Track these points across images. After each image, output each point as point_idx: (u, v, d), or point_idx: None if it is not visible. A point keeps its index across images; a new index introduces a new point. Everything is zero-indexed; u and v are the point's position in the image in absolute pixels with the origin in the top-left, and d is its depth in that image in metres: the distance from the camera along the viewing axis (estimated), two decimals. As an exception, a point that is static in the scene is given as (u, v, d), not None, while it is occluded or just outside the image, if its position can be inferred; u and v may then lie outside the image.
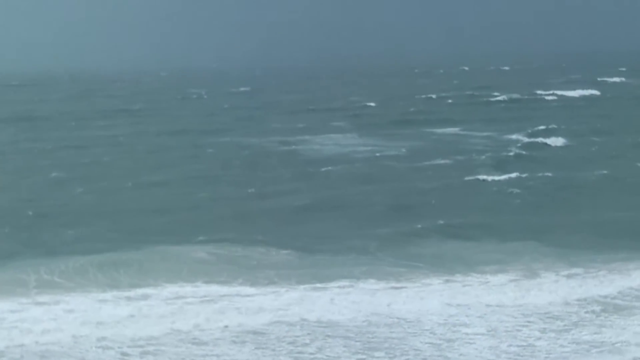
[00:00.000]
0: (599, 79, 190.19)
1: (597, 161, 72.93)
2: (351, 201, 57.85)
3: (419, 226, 49.28)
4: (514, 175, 66.43)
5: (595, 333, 31.10)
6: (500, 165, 71.85)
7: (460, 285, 37.05)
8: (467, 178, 66.21)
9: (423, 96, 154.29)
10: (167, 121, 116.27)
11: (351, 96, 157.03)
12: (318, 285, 37.17)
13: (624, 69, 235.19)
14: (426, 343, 30.22)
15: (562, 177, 65.40)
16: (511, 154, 78.95)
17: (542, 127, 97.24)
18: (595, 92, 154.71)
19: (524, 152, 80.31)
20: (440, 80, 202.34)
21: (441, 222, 49.84)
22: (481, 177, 67.32)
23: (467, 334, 31.16)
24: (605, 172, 66.95)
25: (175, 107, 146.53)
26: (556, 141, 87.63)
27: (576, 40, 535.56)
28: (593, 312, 33.32)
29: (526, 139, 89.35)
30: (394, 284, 37.44)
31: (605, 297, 35.22)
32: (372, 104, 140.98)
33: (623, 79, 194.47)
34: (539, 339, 30.56)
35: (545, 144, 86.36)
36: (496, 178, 66.05)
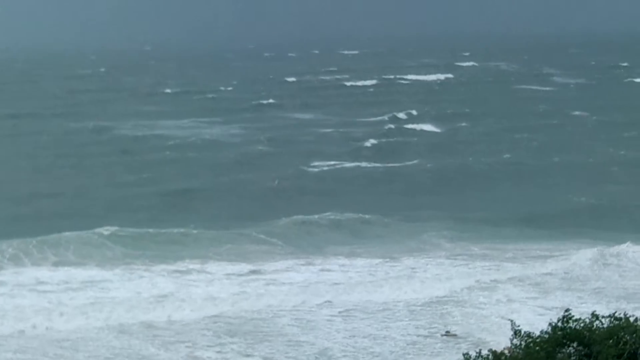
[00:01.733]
0: (453, 63, 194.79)
1: (479, 146, 74.79)
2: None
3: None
4: (396, 164, 67.00)
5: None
6: (360, 153, 72.01)
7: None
8: (349, 164, 66.60)
9: (279, 80, 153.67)
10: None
11: (205, 80, 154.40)
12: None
13: (467, 54, 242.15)
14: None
15: (445, 164, 66.07)
16: (382, 140, 79.38)
17: (408, 112, 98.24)
18: (450, 75, 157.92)
19: (397, 139, 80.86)
20: (293, 64, 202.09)
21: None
22: (348, 164, 67.57)
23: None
24: (508, 155, 69.00)
25: None
26: (424, 126, 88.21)
27: (417, 24, 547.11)
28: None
29: (393, 125, 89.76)
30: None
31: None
32: (230, 88, 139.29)
33: (475, 64, 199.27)
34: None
35: (415, 129, 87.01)
36: (364, 165, 66.76)
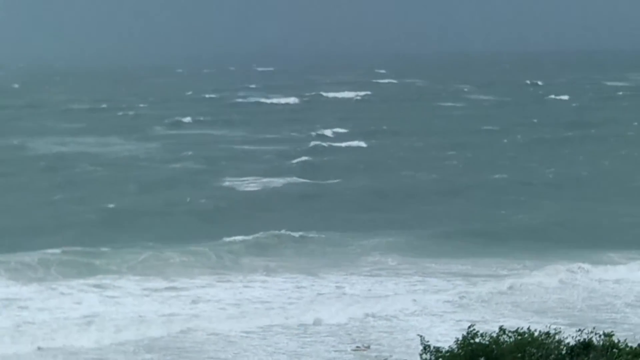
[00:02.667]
0: (370, 80, 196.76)
1: (408, 163, 75.64)
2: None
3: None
4: (326, 181, 67.63)
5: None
6: (290, 170, 72.50)
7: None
8: (277, 182, 67.02)
9: (197, 96, 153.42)
10: None
11: (121, 96, 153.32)
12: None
13: (383, 71, 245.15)
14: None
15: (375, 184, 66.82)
16: (310, 157, 79.92)
17: (333, 129, 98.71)
18: (369, 92, 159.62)
19: (325, 156, 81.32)
20: (210, 80, 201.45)
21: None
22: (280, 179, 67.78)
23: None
24: (437, 172, 70.09)
25: None
26: (351, 143, 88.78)
27: (328, 41, 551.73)
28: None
29: (319, 142, 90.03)
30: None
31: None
32: (146, 105, 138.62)
33: (392, 81, 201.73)
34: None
35: (342, 146, 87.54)
36: (293, 182, 67.15)
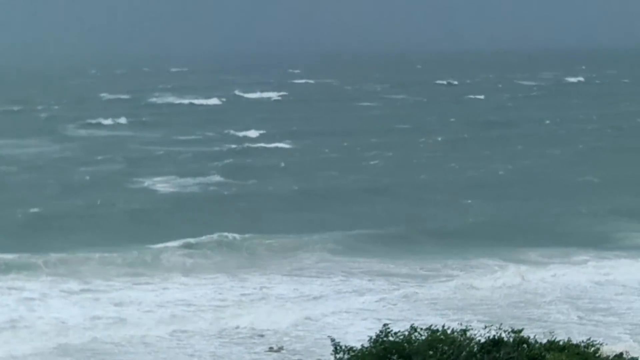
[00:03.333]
0: (287, 81, 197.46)
1: (335, 164, 76.14)
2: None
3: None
4: (254, 182, 67.44)
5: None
6: (217, 172, 72.40)
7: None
8: (203, 184, 66.93)
9: (112, 97, 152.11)
10: None
11: (34, 97, 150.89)
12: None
13: (297, 71, 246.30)
14: None
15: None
16: (236, 159, 79.68)
17: (256, 130, 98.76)
18: (286, 93, 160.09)
19: (251, 157, 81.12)
20: (124, 81, 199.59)
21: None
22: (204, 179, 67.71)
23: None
24: (358, 176, 70.30)
25: None
26: (277, 145, 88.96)
27: (238, 40, 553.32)
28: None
29: (244, 144, 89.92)
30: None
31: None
32: (58, 106, 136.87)
33: (308, 81, 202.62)
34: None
35: (268, 147, 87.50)
36: (220, 184, 67.17)
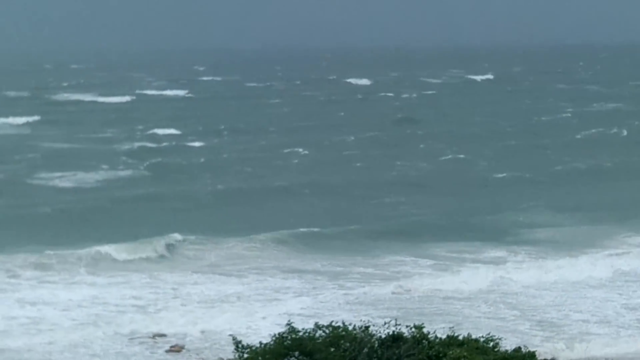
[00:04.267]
0: (195, 78, 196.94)
1: (259, 162, 75.76)
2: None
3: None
4: (175, 182, 66.70)
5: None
6: (133, 172, 71.77)
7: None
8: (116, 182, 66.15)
9: (13, 95, 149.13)
10: None
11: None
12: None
13: (202, 68, 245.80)
14: None
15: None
16: (153, 159, 78.54)
17: (169, 129, 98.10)
18: (194, 90, 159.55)
19: (169, 156, 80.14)
20: (25, 78, 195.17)
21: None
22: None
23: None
24: (281, 174, 69.96)
25: None
26: (193, 143, 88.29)
27: (141, 38, 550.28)
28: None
29: (160, 143, 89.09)
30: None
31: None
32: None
33: (214, 78, 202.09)
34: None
35: (185, 146, 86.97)
36: (136, 184, 66.47)
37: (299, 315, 34.79)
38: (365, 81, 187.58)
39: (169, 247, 46.67)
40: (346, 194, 63.11)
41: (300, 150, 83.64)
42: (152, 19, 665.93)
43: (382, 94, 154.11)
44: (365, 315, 33.74)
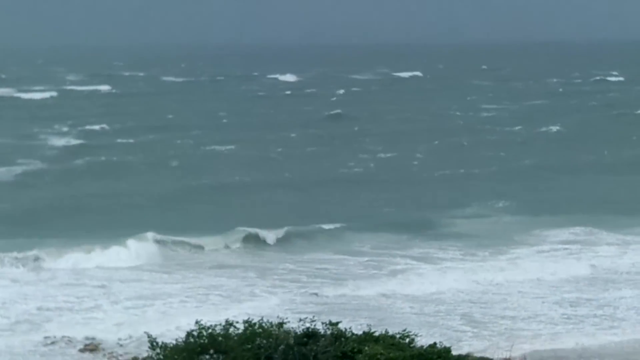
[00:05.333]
0: (118, 73, 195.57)
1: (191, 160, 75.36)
2: None
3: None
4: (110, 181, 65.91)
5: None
6: (65, 172, 70.41)
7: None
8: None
9: None
10: None
11: None
12: None
13: (121, 63, 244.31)
14: None
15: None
16: (86, 157, 77.19)
17: (96, 125, 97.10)
18: (117, 86, 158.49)
19: (100, 155, 78.53)
20: None
21: None
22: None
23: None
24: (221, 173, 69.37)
25: None
26: (123, 140, 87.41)
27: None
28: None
29: (90, 140, 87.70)
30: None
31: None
32: None
33: (137, 73, 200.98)
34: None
35: (118, 143, 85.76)
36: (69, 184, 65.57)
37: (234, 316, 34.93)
38: (289, 77, 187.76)
39: (102, 245, 46.15)
40: (283, 191, 63.36)
41: (232, 147, 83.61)
42: (67, 13, 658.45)
43: (309, 90, 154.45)
44: (287, 310, 34.15)
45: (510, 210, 57.59)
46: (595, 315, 36.98)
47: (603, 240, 49.52)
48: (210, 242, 48.57)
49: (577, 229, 51.60)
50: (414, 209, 57.75)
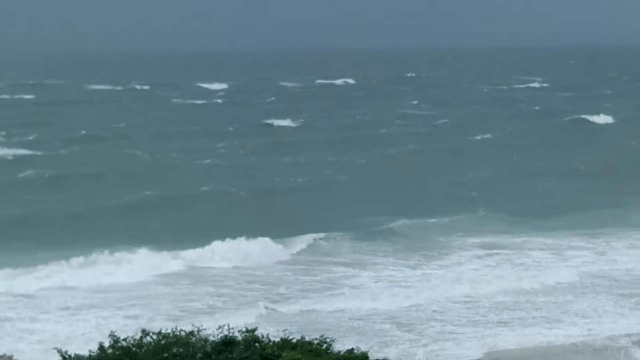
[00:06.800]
0: (41, 82, 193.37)
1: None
2: None
3: None
4: None
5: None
6: None
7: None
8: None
9: None
10: None
11: None
12: None
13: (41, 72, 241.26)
14: None
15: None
16: None
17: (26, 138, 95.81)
18: (31, 96, 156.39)
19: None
20: None
21: None
22: None
23: None
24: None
25: None
26: (24, 152, 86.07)
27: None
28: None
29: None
30: None
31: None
32: None
33: (66, 82, 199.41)
34: None
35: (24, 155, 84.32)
36: None
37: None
38: (217, 85, 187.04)
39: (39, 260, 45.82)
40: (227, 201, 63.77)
41: (175, 155, 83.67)
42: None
43: (239, 99, 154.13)
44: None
45: (440, 215, 58.37)
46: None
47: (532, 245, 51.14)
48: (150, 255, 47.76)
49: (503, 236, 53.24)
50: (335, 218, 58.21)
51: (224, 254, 47.54)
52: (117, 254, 46.05)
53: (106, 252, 46.23)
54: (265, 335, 20.82)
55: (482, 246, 50.84)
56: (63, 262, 44.46)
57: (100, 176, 73.15)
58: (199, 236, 50.17)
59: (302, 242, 50.60)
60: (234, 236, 49.10)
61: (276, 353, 20.16)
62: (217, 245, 48.26)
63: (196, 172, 75.35)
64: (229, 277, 44.30)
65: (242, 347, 20.05)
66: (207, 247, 48.13)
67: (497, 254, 49.13)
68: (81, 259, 45.19)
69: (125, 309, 38.34)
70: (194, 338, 19.90)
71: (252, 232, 49.79)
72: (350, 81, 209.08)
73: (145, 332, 19.67)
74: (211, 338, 20.36)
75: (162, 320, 35.37)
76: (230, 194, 66.21)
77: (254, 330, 20.64)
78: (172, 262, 45.95)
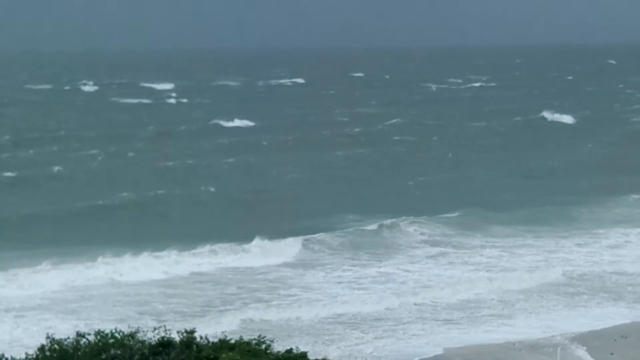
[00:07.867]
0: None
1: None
2: None
3: None
4: None
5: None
6: None
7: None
8: None
9: None
10: None
11: None
12: None
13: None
14: None
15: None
16: None
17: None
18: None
19: None
20: None
21: None
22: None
23: None
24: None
25: None
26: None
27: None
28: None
29: None
30: None
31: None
32: None
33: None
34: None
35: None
36: None
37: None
38: (166, 85, 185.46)
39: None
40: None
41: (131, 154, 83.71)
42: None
43: (185, 100, 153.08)
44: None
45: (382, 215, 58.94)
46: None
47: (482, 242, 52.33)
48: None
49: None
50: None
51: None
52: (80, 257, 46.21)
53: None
54: (204, 337, 21.15)
55: (433, 245, 51.75)
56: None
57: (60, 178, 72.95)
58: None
59: (254, 246, 50.52)
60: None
61: (212, 356, 20.43)
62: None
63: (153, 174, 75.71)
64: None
65: (178, 349, 20.36)
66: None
67: (446, 253, 50.05)
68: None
69: (78, 312, 38.74)
70: (132, 340, 20.19)
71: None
72: (300, 80, 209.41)
73: (80, 334, 19.92)
74: (148, 340, 20.63)
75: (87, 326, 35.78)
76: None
77: (192, 332, 20.95)
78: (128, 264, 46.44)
